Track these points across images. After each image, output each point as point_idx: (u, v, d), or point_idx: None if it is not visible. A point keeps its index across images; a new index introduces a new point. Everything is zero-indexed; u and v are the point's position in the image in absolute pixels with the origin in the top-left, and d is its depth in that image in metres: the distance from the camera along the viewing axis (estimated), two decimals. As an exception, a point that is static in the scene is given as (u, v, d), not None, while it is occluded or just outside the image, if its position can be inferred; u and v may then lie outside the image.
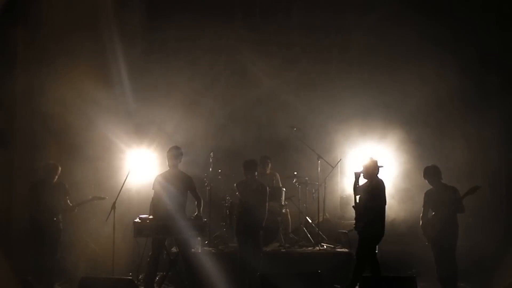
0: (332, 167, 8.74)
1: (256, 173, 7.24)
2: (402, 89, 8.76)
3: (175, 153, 6.94)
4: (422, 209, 6.99)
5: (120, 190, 7.16)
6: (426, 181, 6.95)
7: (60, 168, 7.38)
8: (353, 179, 6.91)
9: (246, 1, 9.65)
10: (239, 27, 9.48)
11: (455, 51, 8.73)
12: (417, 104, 8.70)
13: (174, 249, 7.37)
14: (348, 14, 9.46)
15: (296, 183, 8.83)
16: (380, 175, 6.87)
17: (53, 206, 7.22)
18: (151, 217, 6.69)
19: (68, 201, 7.39)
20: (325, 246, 8.31)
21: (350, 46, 9.51)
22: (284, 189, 8.53)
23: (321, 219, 8.70)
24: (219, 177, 8.81)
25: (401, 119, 8.74)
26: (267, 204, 7.23)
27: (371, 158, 6.91)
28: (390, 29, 8.97)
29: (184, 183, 6.86)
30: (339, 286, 7.38)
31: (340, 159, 8.91)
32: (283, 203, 8.46)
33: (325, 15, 9.38)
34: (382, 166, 6.94)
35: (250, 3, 9.63)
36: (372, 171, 6.80)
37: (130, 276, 7.15)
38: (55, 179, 7.34)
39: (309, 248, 8.27)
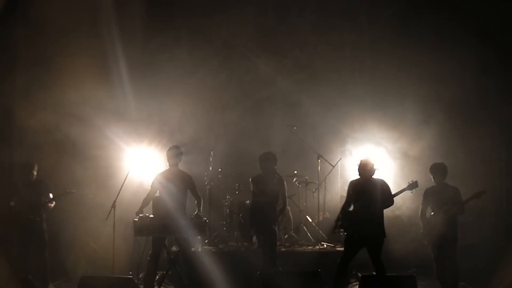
0: (332, 166, 8.74)
1: (275, 166, 7.19)
2: (410, 90, 8.73)
3: (174, 152, 6.95)
4: (421, 206, 6.97)
5: (120, 189, 7.17)
6: (431, 177, 6.91)
7: (36, 166, 7.38)
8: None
9: (258, 0, 9.62)
10: (250, 26, 9.46)
11: (472, 48, 8.53)
12: (425, 104, 8.66)
13: (174, 248, 7.37)
14: (361, 13, 9.44)
15: (296, 182, 8.85)
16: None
17: (34, 205, 7.23)
18: (151, 216, 6.70)
19: (51, 197, 7.39)
20: (325, 245, 8.32)
21: (362, 46, 9.49)
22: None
23: (321, 218, 8.71)
24: (219, 176, 8.82)
25: (405, 119, 8.72)
26: (286, 198, 7.25)
27: (367, 158, 6.86)
28: (403, 27, 8.95)
29: (184, 182, 6.87)
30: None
31: (340, 158, 8.91)
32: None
33: (337, 14, 9.35)
34: (377, 168, 6.90)
35: (263, 2, 9.60)
36: (370, 171, 6.75)
37: (130, 275, 7.16)
38: (34, 177, 7.34)
39: (309, 247, 8.28)
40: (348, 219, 6.68)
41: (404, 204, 7.92)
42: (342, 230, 6.73)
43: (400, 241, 7.94)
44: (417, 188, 6.75)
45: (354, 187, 6.74)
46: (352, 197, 6.74)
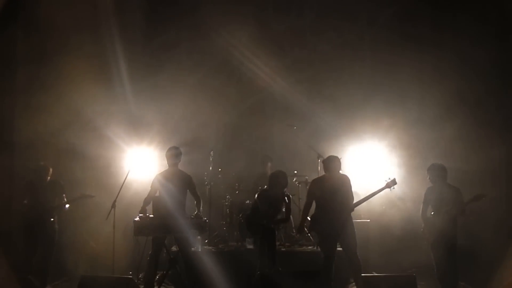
0: (332, 166, 8.73)
1: (286, 189, 7.18)
2: (410, 90, 8.73)
3: (174, 152, 6.97)
4: (422, 205, 6.97)
5: (120, 189, 7.17)
6: (428, 178, 6.88)
7: (51, 169, 7.39)
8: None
9: (258, 0, 9.62)
10: (250, 26, 9.45)
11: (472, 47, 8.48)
12: (425, 104, 8.66)
13: (174, 248, 7.38)
14: (361, 13, 9.44)
15: (296, 182, 8.85)
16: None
17: (48, 206, 7.23)
18: (151, 216, 6.70)
19: (65, 198, 7.39)
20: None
21: (362, 46, 9.49)
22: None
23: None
24: (219, 176, 8.83)
25: (406, 120, 8.72)
26: (290, 214, 7.29)
27: (332, 155, 6.89)
28: (403, 27, 8.95)
29: (183, 182, 6.88)
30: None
31: (340, 158, 8.89)
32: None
33: (337, 14, 9.35)
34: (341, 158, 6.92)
35: (262, 2, 9.60)
36: (338, 167, 6.76)
37: (130, 275, 7.16)
38: (47, 180, 7.35)
39: (309, 247, 8.27)
40: (319, 219, 6.68)
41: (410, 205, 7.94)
42: (312, 232, 6.74)
43: (400, 241, 7.97)
44: (395, 185, 6.67)
45: (321, 185, 6.75)
46: (319, 196, 6.72)
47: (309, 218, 6.92)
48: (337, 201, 6.61)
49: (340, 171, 6.82)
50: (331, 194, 6.65)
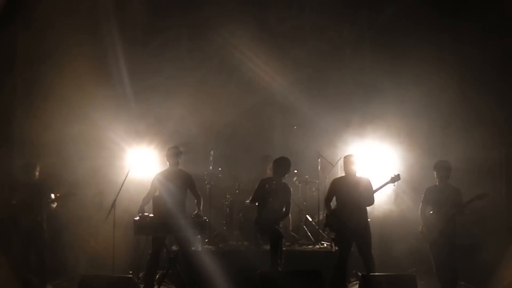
0: (332, 165, 8.75)
1: (287, 174, 7.23)
2: (410, 90, 8.73)
3: (174, 152, 6.99)
4: (421, 204, 6.97)
5: (120, 189, 7.17)
6: (435, 175, 6.90)
7: (38, 166, 7.41)
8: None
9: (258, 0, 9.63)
10: (250, 25, 9.44)
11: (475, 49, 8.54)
12: (424, 104, 8.68)
13: (174, 247, 7.38)
14: (361, 13, 9.44)
15: (296, 181, 8.85)
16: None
17: (36, 205, 7.24)
18: (151, 215, 6.70)
19: (52, 197, 7.39)
20: (325, 244, 8.32)
21: (362, 45, 9.49)
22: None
23: (321, 217, 8.71)
24: (219, 175, 8.83)
25: (406, 119, 8.72)
26: (290, 206, 7.26)
27: (352, 154, 6.96)
28: (403, 27, 8.96)
29: (183, 181, 6.89)
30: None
31: (340, 158, 8.89)
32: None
33: (337, 14, 9.35)
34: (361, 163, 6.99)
35: (263, 1, 9.60)
36: (355, 167, 6.83)
37: (131, 274, 7.17)
38: (36, 177, 7.37)
39: (309, 246, 8.29)
40: (335, 217, 6.74)
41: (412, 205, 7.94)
42: (329, 229, 6.80)
43: (400, 241, 7.96)
44: (399, 181, 6.76)
45: (339, 185, 6.84)
46: (336, 194, 6.83)
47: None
48: (350, 201, 6.68)
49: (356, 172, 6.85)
50: (346, 194, 6.74)
